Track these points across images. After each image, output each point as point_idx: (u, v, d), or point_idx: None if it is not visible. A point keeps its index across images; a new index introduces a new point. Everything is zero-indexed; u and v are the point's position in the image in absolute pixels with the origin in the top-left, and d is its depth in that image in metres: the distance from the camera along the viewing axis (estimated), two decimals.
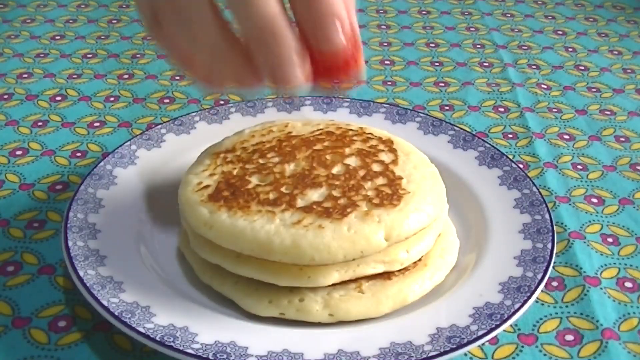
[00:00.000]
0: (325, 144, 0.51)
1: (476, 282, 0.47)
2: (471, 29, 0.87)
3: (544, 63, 0.80)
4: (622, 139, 0.66)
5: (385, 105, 0.64)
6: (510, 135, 0.66)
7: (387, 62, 0.79)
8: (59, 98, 0.71)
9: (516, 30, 0.87)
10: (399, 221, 0.45)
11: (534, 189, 0.54)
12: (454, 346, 0.42)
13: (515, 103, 0.71)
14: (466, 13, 0.92)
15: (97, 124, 0.67)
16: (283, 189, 0.47)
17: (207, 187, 0.48)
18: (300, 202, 0.46)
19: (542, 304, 0.49)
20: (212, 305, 0.46)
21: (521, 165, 0.61)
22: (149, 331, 0.42)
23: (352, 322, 0.45)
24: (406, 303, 0.46)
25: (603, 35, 0.87)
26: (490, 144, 0.58)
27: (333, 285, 0.45)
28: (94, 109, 0.69)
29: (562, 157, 0.63)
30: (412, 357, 0.41)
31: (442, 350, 0.41)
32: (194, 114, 0.62)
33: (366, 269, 0.45)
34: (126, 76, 0.75)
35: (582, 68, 0.79)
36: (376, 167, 0.49)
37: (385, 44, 0.83)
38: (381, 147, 0.51)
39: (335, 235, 0.43)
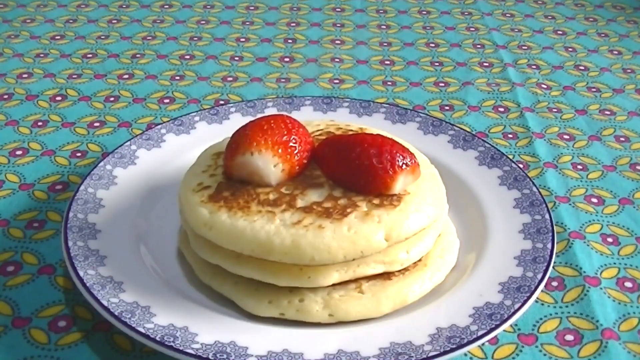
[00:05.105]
0: None
1: (476, 282, 0.47)
2: (471, 29, 0.87)
3: (544, 63, 0.80)
4: (622, 139, 0.66)
5: (385, 105, 0.64)
6: (510, 135, 0.66)
7: (387, 62, 0.79)
8: (59, 98, 0.71)
9: (516, 30, 0.87)
10: (399, 222, 0.45)
11: (534, 189, 0.53)
12: (454, 346, 0.42)
13: (515, 103, 0.71)
14: (466, 13, 0.92)
15: (97, 124, 0.67)
16: (283, 189, 0.47)
17: (207, 187, 0.48)
18: (300, 202, 0.46)
19: (542, 304, 0.49)
20: (212, 305, 0.46)
21: (521, 165, 0.61)
22: (149, 331, 0.42)
23: (352, 322, 0.45)
24: (406, 303, 0.46)
25: (603, 35, 0.87)
26: (490, 144, 0.58)
27: (333, 285, 0.45)
28: (94, 109, 0.69)
29: (562, 157, 0.63)
30: (412, 357, 0.41)
31: (442, 350, 0.41)
32: (194, 114, 0.62)
33: (366, 269, 0.45)
34: (126, 76, 0.75)
35: (582, 68, 0.79)
36: None
37: (385, 44, 0.83)
38: None
39: (335, 236, 0.43)
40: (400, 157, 0.46)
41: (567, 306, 0.48)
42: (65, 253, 0.47)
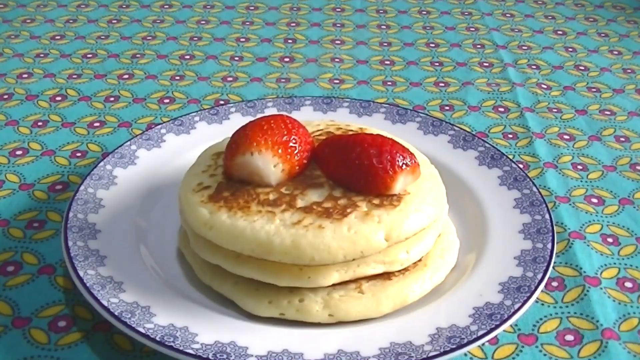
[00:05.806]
0: None
1: (476, 282, 0.47)
2: (471, 29, 0.87)
3: (544, 63, 0.80)
4: (622, 139, 0.66)
5: (385, 105, 0.64)
6: (510, 135, 0.66)
7: (387, 62, 0.79)
8: (59, 98, 0.71)
9: (516, 30, 0.87)
10: (399, 222, 0.44)
11: (534, 189, 0.53)
12: (454, 346, 0.42)
13: (515, 103, 0.71)
14: (466, 13, 0.92)
15: (97, 124, 0.67)
16: (283, 189, 0.47)
17: (207, 187, 0.48)
18: (300, 202, 0.46)
19: (542, 304, 0.49)
20: (212, 305, 0.46)
21: (521, 165, 0.61)
22: (149, 331, 0.42)
23: (352, 322, 0.45)
24: (406, 303, 0.46)
25: (603, 35, 0.87)
26: (490, 144, 0.58)
27: (333, 285, 0.45)
28: (94, 109, 0.69)
29: (562, 157, 0.63)
30: (412, 357, 0.41)
31: (442, 350, 0.41)
32: (194, 114, 0.62)
33: (366, 269, 0.45)
34: (126, 76, 0.75)
35: (582, 68, 0.79)
36: None
37: (385, 44, 0.83)
38: None
39: (335, 236, 0.43)
40: (400, 157, 0.46)
41: (567, 306, 0.48)
42: (65, 253, 0.47)
